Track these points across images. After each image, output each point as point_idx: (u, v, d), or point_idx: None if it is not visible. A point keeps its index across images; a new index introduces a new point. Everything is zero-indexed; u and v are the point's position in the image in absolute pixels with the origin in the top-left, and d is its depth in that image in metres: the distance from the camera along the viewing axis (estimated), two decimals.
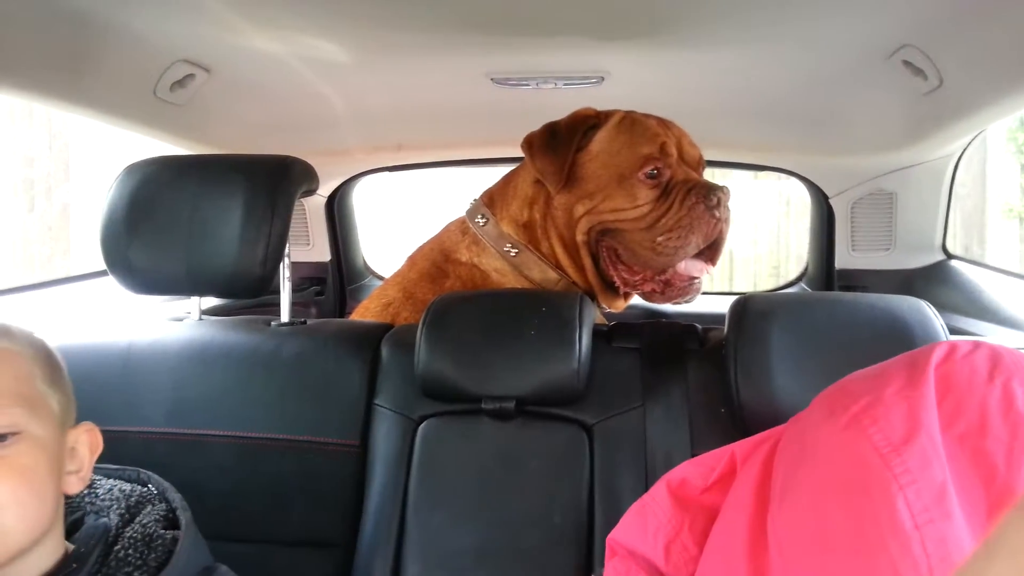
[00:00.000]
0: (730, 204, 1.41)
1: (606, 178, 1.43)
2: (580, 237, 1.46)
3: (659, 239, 1.39)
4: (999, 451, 0.67)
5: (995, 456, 0.67)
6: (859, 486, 0.67)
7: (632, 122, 1.46)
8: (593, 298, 1.53)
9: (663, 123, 1.48)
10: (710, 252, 1.43)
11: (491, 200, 1.58)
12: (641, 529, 0.91)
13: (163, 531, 0.87)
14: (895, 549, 0.63)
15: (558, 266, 1.51)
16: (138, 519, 0.87)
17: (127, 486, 0.93)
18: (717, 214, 1.38)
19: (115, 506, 0.89)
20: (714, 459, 0.90)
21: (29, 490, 0.76)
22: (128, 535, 0.85)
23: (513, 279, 1.51)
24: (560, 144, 1.45)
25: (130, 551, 0.83)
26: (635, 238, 1.42)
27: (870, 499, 0.66)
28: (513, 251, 1.51)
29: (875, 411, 0.70)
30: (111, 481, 0.94)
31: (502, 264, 1.52)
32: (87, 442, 0.87)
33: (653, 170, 1.40)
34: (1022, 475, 0.66)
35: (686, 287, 1.44)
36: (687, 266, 1.42)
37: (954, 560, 0.62)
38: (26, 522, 0.76)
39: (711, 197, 1.37)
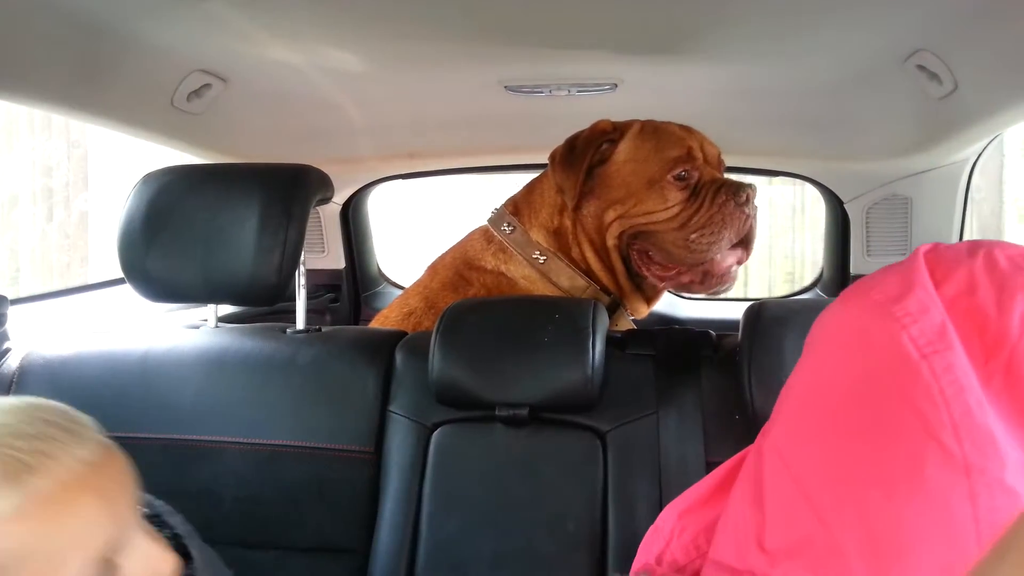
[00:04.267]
0: (756, 201, 1.45)
1: (635, 184, 1.46)
2: (611, 241, 1.49)
3: (692, 236, 1.42)
4: (989, 302, 0.68)
5: (986, 307, 0.68)
6: (862, 335, 0.69)
7: (655, 129, 1.49)
8: (619, 304, 1.54)
9: (684, 128, 1.51)
10: (743, 246, 1.46)
11: (516, 208, 1.59)
12: (646, 550, 0.91)
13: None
14: (904, 377, 0.65)
15: (588, 271, 1.53)
16: None
17: None
18: (746, 210, 1.42)
19: None
20: (718, 469, 0.91)
21: None
22: None
23: (541, 286, 1.52)
24: (576, 159, 1.47)
25: None
26: (668, 238, 1.44)
27: (873, 342, 0.68)
28: (542, 258, 1.52)
29: (871, 281, 0.73)
30: None
31: (530, 271, 1.53)
32: None
33: (682, 172, 1.44)
34: (1014, 318, 0.66)
35: (724, 275, 1.46)
36: (722, 255, 1.44)
37: (964, 385, 0.63)
38: None
39: (740, 194, 1.41)
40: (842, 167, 2.17)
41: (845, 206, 2.26)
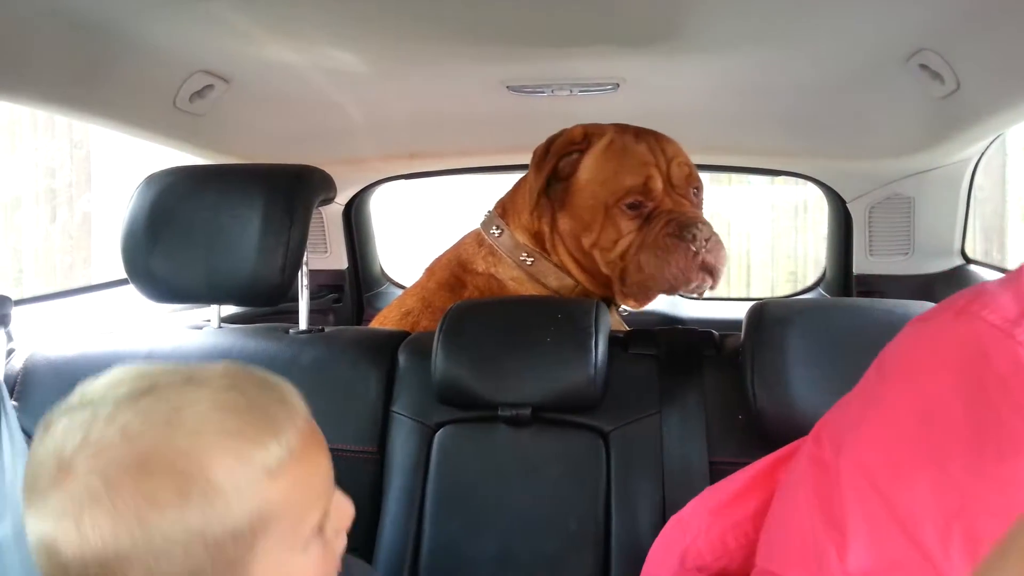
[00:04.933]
0: (714, 232, 1.40)
1: (595, 208, 1.43)
2: (605, 269, 1.46)
3: (642, 257, 1.39)
4: None
5: None
6: (980, 359, 0.65)
7: (621, 149, 1.45)
8: (611, 302, 1.53)
9: (654, 147, 1.46)
10: (708, 274, 1.41)
11: (504, 210, 1.59)
12: (667, 543, 0.91)
13: None
14: None
15: (570, 276, 1.52)
16: None
17: None
18: (693, 248, 1.37)
19: None
20: (747, 468, 0.90)
21: None
22: None
23: (530, 287, 1.52)
24: (544, 164, 1.45)
25: None
26: (629, 264, 1.42)
27: (996, 368, 0.63)
28: (529, 260, 1.52)
29: (979, 300, 0.68)
30: None
31: (518, 273, 1.53)
32: None
33: (635, 201, 1.41)
34: None
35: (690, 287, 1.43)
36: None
37: None
38: None
39: (686, 233, 1.36)
40: (845, 167, 2.17)
41: (848, 206, 2.26)
